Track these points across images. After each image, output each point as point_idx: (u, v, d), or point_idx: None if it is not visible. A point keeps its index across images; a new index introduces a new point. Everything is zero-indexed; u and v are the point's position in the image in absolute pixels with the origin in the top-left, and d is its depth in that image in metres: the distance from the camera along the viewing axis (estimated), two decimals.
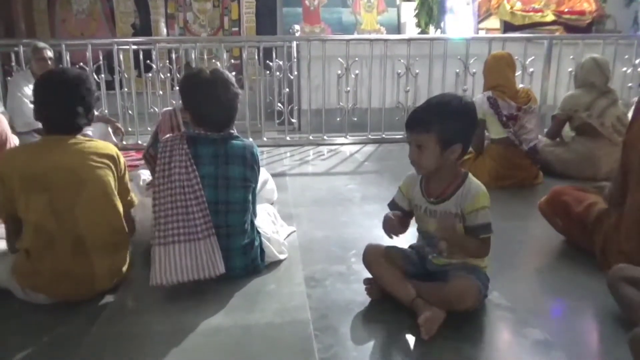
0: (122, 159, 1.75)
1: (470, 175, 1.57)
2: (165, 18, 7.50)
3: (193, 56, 5.05)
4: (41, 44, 3.86)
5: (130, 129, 4.93)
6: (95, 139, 1.72)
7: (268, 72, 5.24)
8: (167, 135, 1.82)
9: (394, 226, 1.57)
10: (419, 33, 6.82)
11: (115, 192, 1.67)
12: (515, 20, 6.26)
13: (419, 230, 1.68)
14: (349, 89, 4.80)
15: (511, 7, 6.37)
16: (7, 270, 1.63)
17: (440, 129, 1.46)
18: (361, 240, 2.24)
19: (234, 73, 5.20)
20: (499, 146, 3.12)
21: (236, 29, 7.63)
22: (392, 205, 1.71)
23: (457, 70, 4.85)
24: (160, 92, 4.84)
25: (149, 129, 5.03)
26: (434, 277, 1.61)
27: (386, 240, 1.71)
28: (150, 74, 4.99)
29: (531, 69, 4.78)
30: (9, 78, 4.89)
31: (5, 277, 1.63)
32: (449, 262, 1.59)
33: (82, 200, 1.58)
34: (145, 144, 4.54)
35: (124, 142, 4.55)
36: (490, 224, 1.50)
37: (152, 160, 2.16)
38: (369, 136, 4.84)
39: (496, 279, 1.71)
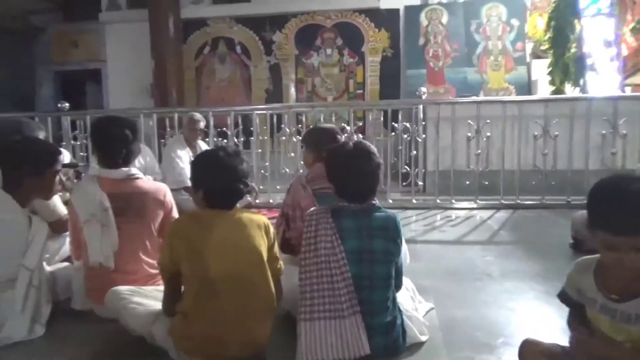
0: (271, 229, 1.81)
1: None
2: (295, 83, 8.04)
3: (322, 118, 5.28)
4: (197, 116, 4.34)
5: (261, 187, 5.22)
6: (249, 210, 1.81)
7: (393, 133, 5.27)
8: (312, 209, 1.86)
9: (598, 347, 1.35)
10: (552, 92, 6.42)
11: (266, 262, 1.73)
12: None
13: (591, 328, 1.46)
14: (479, 151, 4.62)
15: None
16: (165, 330, 1.74)
17: None
18: (507, 325, 2.05)
19: (361, 136, 5.39)
20: None
21: (360, 91, 7.90)
22: (564, 296, 1.50)
23: (604, 132, 4.44)
24: (292, 154, 5.10)
25: (278, 187, 5.29)
26: None
27: (540, 334, 1.52)
28: (284, 137, 5.30)
29: None
30: (162, 140, 5.54)
31: (163, 337, 1.74)
32: None
33: (238, 270, 1.66)
34: (274, 202, 4.84)
35: (257, 201, 4.81)
36: None
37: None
38: (502, 201, 4.56)
39: None
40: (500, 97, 6.76)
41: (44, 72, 9.34)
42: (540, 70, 6.97)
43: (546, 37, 6.64)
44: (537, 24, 7.53)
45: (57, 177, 2.17)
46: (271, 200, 4.90)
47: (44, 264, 2.25)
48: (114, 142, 2.15)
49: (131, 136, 2.19)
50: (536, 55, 7.41)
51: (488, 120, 4.63)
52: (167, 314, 1.79)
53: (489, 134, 4.66)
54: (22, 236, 1.94)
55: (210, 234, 1.68)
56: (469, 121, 4.64)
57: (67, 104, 5.54)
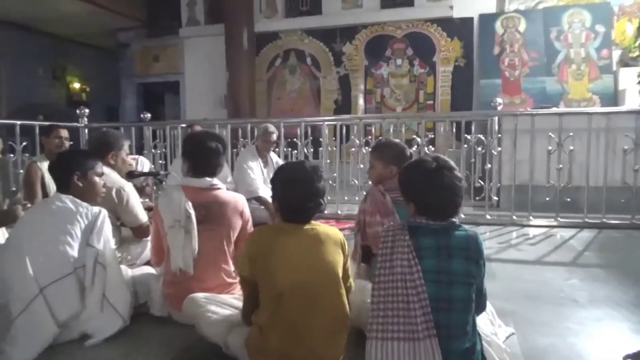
0: (346, 244, 1.79)
1: None
2: (364, 94, 8.03)
3: (391, 129, 5.23)
4: (272, 128, 4.43)
5: (329, 198, 5.23)
6: (325, 225, 1.80)
7: (466, 145, 5.09)
8: (389, 224, 1.81)
9: None
10: None
11: (341, 279, 1.70)
12: None
13: None
14: (560, 166, 4.35)
15: None
16: (240, 340, 1.76)
17: None
18: (599, 357, 1.88)
19: (432, 148, 5.27)
20: None
21: (431, 102, 7.74)
22: None
23: None
24: (361, 165, 5.07)
25: (346, 198, 5.28)
26: None
27: None
28: (353, 149, 5.29)
29: None
30: (235, 150, 5.72)
31: (239, 347, 1.76)
32: None
33: (308, 286, 1.65)
34: (342, 213, 4.82)
35: (325, 212, 4.82)
36: None
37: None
38: (586, 220, 4.24)
39: None
40: (585, 108, 6.35)
41: (128, 85, 10.02)
42: (629, 79, 6.47)
43: (636, 44, 6.18)
44: (626, 30, 7.03)
45: (100, 180, 2.31)
46: (339, 212, 4.89)
47: (125, 266, 2.38)
48: (207, 155, 2.26)
49: (221, 151, 2.29)
50: (624, 63, 6.91)
51: (571, 133, 4.35)
52: (245, 323, 1.82)
53: (571, 147, 4.37)
54: (85, 222, 2.11)
55: (282, 247, 1.68)
56: (550, 134, 4.38)
57: (149, 115, 5.87)
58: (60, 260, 2.02)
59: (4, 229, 2.74)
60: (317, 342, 1.65)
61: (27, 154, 4.92)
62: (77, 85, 10.92)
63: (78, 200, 2.15)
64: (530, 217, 4.38)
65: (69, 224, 2.08)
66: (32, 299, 1.94)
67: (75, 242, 2.07)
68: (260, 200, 4.18)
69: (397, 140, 2.69)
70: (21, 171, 4.58)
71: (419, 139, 4.90)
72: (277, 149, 5.07)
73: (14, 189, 4.75)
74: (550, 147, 4.37)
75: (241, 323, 1.82)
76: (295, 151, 5.53)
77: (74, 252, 2.05)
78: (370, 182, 5.29)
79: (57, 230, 2.06)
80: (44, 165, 3.50)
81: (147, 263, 2.64)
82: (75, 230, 2.08)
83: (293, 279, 1.65)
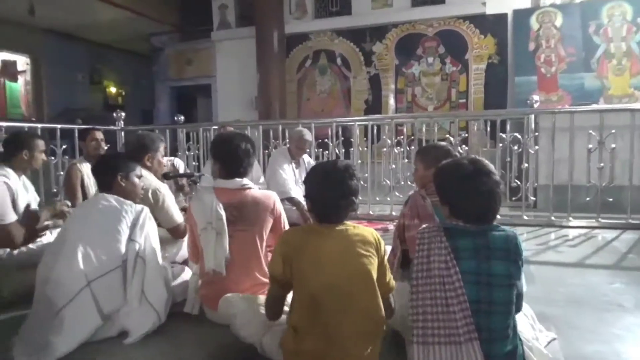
0: (382, 243, 1.76)
1: None
2: (394, 93, 7.96)
3: (424, 129, 5.15)
4: (308, 136, 4.43)
5: (361, 198, 5.19)
6: (359, 226, 1.78)
7: (501, 144, 4.97)
8: (424, 226, 1.77)
9: None
10: None
11: (375, 280, 1.68)
12: None
13: None
14: (602, 164, 4.19)
15: None
16: (275, 342, 1.76)
17: None
18: None
19: (465, 147, 5.17)
20: None
21: (463, 100, 7.60)
22: None
23: None
24: (393, 166, 5.02)
25: (377, 198, 5.24)
26: None
27: None
28: (384, 149, 5.24)
29: None
30: (266, 151, 5.76)
31: (274, 349, 1.76)
32: None
33: (341, 287, 1.63)
34: (374, 214, 4.79)
35: (357, 212, 4.78)
36: None
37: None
38: (630, 220, 4.07)
39: None
40: (627, 104, 6.12)
41: (162, 88, 10.24)
42: None
43: None
44: None
45: (139, 182, 2.39)
46: (371, 212, 4.85)
47: (167, 264, 2.42)
48: (237, 156, 2.27)
49: (251, 151, 2.30)
50: None
51: (613, 130, 4.18)
52: (268, 317, 1.82)
53: (613, 145, 4.21)
54: (130, 218, 2.17)
55: (314, 249, 1.67)
56: (590, 131, 4.23)
57: (182, 117, 5.98)
58: (109, 255, 2.07)
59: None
60: (351, 344, 1.62)
61: (67, 157, 5.09)
62: (113, 90, 11.24)
63: (121, 199, 2.23)
64: (570, 218, 4.24)
65: (116, 221, 2.14)
66: (79, 291, 1.98)
67: (123, 237, 2.13)
68: (292, 201, 4.18)
69: (442, 143, 2.64)
70: (61, 173, 4.74)
71: (452, 139, 4.81)
72: (307, 150, 5.07)
73: (54, 190, 4.92)
74: (590, 146, 4.22)
75: (276, 324, 1.82)
76: (327, 152, 5.52)
77: (122, 247, 2.11)
78: (402, 183, 5.28)
79: (105, 227, 2.12)
80: (84, 168, 3.60)
81: (183, 263, 2.68)
82: (122, 226, 2.14)
83: (324, 281, 1.63)
